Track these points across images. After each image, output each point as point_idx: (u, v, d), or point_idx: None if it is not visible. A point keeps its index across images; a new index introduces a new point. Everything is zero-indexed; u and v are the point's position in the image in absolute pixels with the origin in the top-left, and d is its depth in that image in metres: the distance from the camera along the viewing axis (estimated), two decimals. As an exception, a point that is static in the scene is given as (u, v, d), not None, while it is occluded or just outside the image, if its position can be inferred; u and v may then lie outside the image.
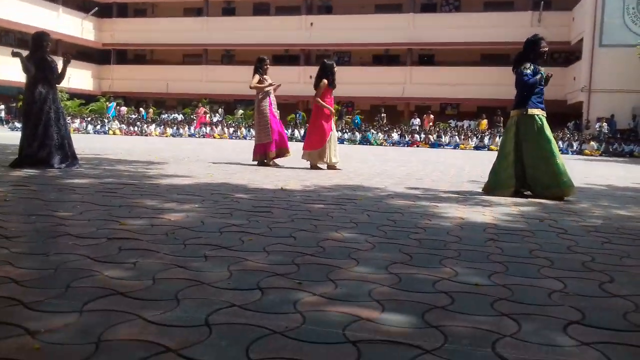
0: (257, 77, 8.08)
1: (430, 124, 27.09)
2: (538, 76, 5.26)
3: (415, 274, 2.29)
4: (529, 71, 5.26)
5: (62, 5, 33.43)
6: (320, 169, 7.82)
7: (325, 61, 7.96)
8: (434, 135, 24.87)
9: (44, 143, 6.16)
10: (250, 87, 8.09)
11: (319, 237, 2.95)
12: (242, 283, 2.06)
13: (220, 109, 32.06)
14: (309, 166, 7.95)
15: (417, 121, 27.66)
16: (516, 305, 1.92)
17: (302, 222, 3.39)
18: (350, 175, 7.18)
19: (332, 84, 7.81)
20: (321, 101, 7.83)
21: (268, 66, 8.22)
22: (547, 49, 5.32)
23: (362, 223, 3.45)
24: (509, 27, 29.01)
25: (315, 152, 7.84)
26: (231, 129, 27.36)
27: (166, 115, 31.54)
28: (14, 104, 30.03)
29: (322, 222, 3.42)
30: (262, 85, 8.07)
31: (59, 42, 30.57)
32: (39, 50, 6.29)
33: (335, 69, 7.89)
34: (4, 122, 29.39)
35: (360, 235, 3.04)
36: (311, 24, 33.47)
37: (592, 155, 20.94)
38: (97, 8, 35.30)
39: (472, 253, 2.71)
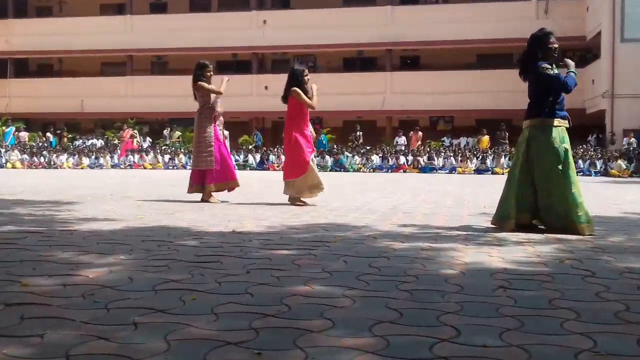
0: (204, 83, 8.16)
1: (419, 142, 27.48)
2: (572, 73, 5.33)
3: (407, 335, 2.29)
4: (552, 72, 5.33)
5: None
6: (305, 203, 7.78)
7: (295, 67, 8.11)
8: (424, 157, 25.21)
9: None
10: (200, 90, 8.16)
11: (282, 292, 2.93)
12: (183, 357, 2.02)
13: (145, 131, 32.06)
14: (287, 202, 7.89)
15: (402, 140, 28.02)
16: (536, 370, 1.93)
17: (260, 273, 3.37)
18: (320, 210, 7.19)
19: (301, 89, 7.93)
20: (306, 99, 7.87)
21: (211, 73, 8.28)
22: (556, 45, 5.43)
23: (337, 272, 3.44)
24: (510, 21, 29.85)
25: (301, 178, 7.82)
26: (166, 157, 27.21)
27: (81, 141, 31.18)
28: None
29: (286, 272, 3.41)
30: (210, 88, 8.16)
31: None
32: None
33: (307, 76, 8.00)
34: None
35: (335, 288, 3.02)
36: (264, 21, 33.87)
37: (620, 176, 21.50)
38: (-15, 7, 34.99)
39: (478, 305, 2.73)
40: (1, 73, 36.33)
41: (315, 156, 8.09)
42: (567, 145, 5.37)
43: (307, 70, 8.14)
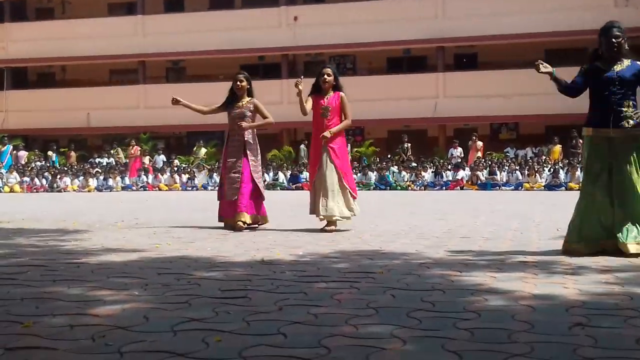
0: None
1: (479, 154, 27.25)
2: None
3: (468, 381, 2.28)
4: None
5: None
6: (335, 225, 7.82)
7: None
8: (485, 171, 25.00)
9: None
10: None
11: (321, 332, 2.93)
12: (209, 408, 2.04)
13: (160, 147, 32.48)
14: (309, 227, 7.94)
15: (458, 151, 27.83)
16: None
17: (295, 310, 3.38)
18: (363, 236, 7.19)
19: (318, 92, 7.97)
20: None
21: (240, 83, 8.38)
22: (618, 39, 5.52)
23: (384, 308, 3.44)
24: (584, 10, 29.52)
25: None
26: (185, 176, 27.46)
27: (97, 159, 31.50)
28: None
29: (324, 309, 3.41)
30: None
31: None
32: None
33: (326, 70, 8.02)
34: None
35: (382, 327, 3.02)
36: (295, 18, 34.12)
37: None
38: (-21, 10, 35.95)
39: (552, 347, 2.70)
40: (-2, 84, 37.28)
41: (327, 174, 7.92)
42: (598, 158, 5.51)
43: (325, 69, 8.07)
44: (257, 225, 8.25)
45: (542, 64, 5.81)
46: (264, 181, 8.61)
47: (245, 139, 8.29)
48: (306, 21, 33.67)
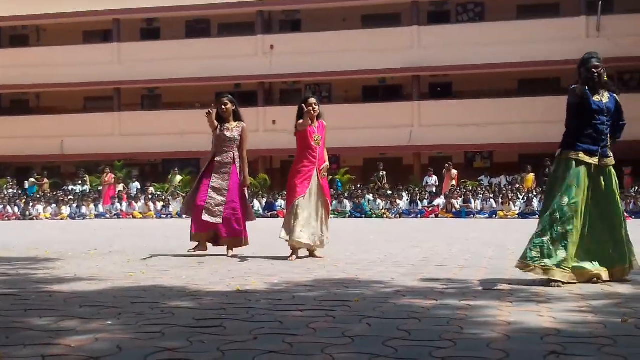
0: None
1: (453, 182, 27.39)
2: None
3: (444, 410, 2.27)
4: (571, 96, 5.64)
5: None
6: (297, 255, 7.83)
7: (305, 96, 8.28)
8: (459, 200, 25.13)
9: None
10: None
11: (296, 361, 2.92)
12: None
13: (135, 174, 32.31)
14: (284, 255, 7.95)
15: (433, 179, 27.97)
16: None
17: (270, 339, 3.36)
18: (339, 264, 7.18)
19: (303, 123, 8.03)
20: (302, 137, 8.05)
21: (225, 106, 8.45)
22: (598, 69, 5.61)
23: (360, 336, 3.43)
24: (556, 41, 29.97)
25: (286, 223, 7.96)
26: (159, 204, 27.31)
27: (70, 187, 31.23)
28: None
29: (300, 337, 3.40)
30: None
31: None
32: None
33: (312, 100, 8.11)
34: None
35: (358, 356, 3.01)
36: (271, 46, 34.33)
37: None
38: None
39: (527, 374, 2.71)
40: (-30, 112, 36.98)
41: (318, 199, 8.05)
42: (580, 184, 5.53)
43: (311, 99, 8.16)
44: (235, 253, 8.29)
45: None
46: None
47: (235, 161, 8.34)
48: (282, 49, 33.89)
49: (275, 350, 3.12)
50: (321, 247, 8.03)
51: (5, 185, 31.75)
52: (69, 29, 36.51)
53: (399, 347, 3.19)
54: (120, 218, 26.11)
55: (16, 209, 27.50)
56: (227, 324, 3.77)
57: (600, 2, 30.43)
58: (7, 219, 26.45)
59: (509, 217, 23.16)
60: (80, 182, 31.69)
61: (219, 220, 8.20)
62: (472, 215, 23.88)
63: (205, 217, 8.19)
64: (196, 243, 8.39)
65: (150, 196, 28.19)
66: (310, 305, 4.42)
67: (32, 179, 31.28)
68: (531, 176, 27.22)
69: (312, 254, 7.99)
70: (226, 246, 8.35)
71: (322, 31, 33.80)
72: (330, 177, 28.17)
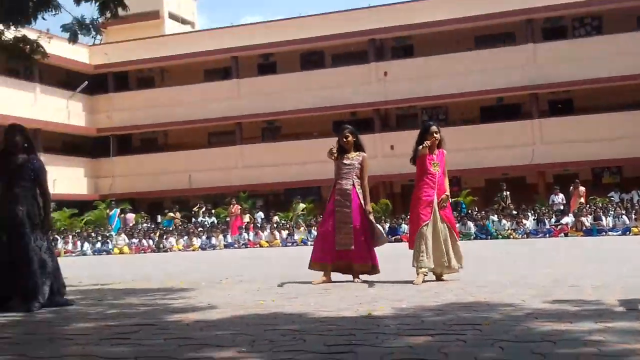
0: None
1: (581, 200, 26.48)
2: None
3: None
4: None
5: (39, 83, 36.03)
6: (424, 279, 7.79)
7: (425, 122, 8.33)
8: (589, 217, 24.25)
9: (14, 275, 6.52)
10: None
11: (430, 386, 2.90)
12: None
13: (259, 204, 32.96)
14: (409, 279, 7.92)
15: (559, 198, 27.12)
16: None
17: (402, 364, 3.34)
18: (467, 287, 7.08)
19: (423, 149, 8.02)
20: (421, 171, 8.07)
21: (346, 139, 8.54)
22: None
23: (494, 360, 3.36)
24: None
25: (415, 252, 7.91)
26: (284, 232, 27.74)
27: (194, 220, 32.19)
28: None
29: (432, 362, 3.36)
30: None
31: (37, 133, 32.74)
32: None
33: (434, 128, 8.12)
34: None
35: (493, 380, 2.96)
36: (385, 73, 34.50)
37: None
38: (86, 82, 37.58)
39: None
40: (104, 152, 38.83)
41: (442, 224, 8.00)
42: None
43: (433, 127, 8.17)
44: (367, 277, 8.33)
45: None
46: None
47: (355, 186, 8.40)
48: (396, 75, 34.03)
49: (409, 375, 3.11)
50: (450, 271, 7.94)
51: (139, 220, 33.15)
52: (191, 69, 37.99)
53: (535, 370, 3.11)
54: (247, 247, 26.66)
55: (150, 242, 28.62)
56: (358, 350, 3.77)
57: None
58: (142, 251, 27.55)
59: (643, 233, 22.17)
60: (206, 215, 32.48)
61: (349, 247, 8.25)
62: (603, 233, 23.00)
63: (338, 246, 8.28)
64: (319, 274, 8.43)
65: (275, 225, 28.71)
66: (439, 330, 4.36)
67: (171, 214, 32.33)
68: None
69: (439, 278, 7.93)
70: (352, 274, 8.39)
71: (435, 55, 33.67)
72: (454, 199, 27.87)
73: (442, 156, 8.15)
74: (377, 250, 8.59)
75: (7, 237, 6.56)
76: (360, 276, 8.35)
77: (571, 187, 27.25)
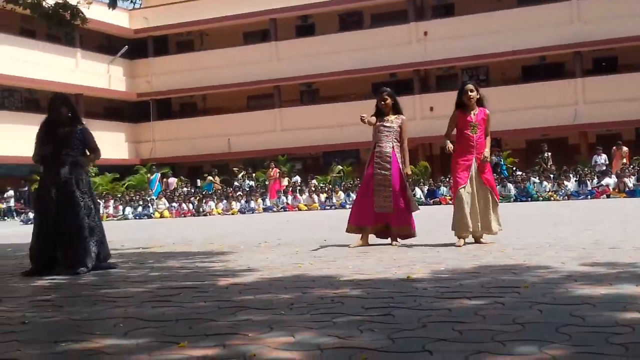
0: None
1: (624, 160, 26.08)
2: None
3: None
4: None
5: (80, 48, 36.42)
6: (464, 242, 7.77)
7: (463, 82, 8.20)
8: (632, 178, 23.87)
9: (62, 240, 6.66)
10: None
11: (467, 349, 2.90)
12: None
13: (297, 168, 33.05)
14: (448, 242, 7.92)
15: (602, 158, 26.74)
16: None
17: (439, 327, 3.35)
18: (505, 249, 7.04)
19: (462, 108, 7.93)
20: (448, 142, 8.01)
21: (384, 102, 8.47)
22: None
23: (531, 323, 3.35)
24: None
25: (454, 214, 7.91)
26: (323, 196, 27.81)
27: (234, 184, 32.35)
28: (26, 188, 32.59)
29: (469, 325, 3.37)
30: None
31: (79, 98, 33.14)
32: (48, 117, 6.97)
33: (469, 86, 8.01)
34: (15, 214, 31.85)
35: (531, 345, 2.95)
36: (425, 33, 34.10)
37: None
38: (127, 47, 37.88)
39: None
40: (144, 116, 39.15)
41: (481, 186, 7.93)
42: None
43: (468, 86, 8.05)
44: (405, 240, 8.34)
45: None
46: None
47: (395, 150, 8.36)
48: (436, 35, 33.64)
49: (445, 338, 3.11)
50: (489, 233, 7.90)
51: (179, 184, 33.45)
52: (230, 32, 37.91)
53: (573, 333, 3.10)
54: (286, 211, 26.82)
55: (190, 206, 28.91)
56: (396, 312, 3.79)
57: None
58: (183, 215, 27.89)
59: (688, 194, 21.79)
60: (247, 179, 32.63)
61: (389, 210, 8.24)
62: (646, 194, 22.66)
63: (377, 209, 8.28)
64: (357, 237, 8.42)
65: (313, 188, 28.78)
66: (477, 292, 4.36)
67: (210, 177, 32.60)
68: None
69: (478, 241, 7.90)
70: (390, 237, 8.40)
71: (474, 14, 33.15)
72: (495, 160, 27.56)
73: (483, 115, 8.00)
74: (416, 213, 8.57)
75: (56, 205, 6.70)
76: (398, 239, 8.35)
77: (614, 148, 26.88)
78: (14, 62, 32.49)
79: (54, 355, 3.15)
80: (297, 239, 10.39)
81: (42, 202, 6.90)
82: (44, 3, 10.06)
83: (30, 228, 7.31)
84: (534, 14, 32.17)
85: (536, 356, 2.75)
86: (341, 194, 27.29)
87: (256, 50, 37.24)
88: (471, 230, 7.78)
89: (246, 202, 28.42)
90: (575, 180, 24.86)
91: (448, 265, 5.95)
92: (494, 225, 7.89)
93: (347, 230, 8.58)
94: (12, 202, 32.83)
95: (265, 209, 27.69)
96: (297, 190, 28.59)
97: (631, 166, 25.57)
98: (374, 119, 8.38)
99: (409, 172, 8.62)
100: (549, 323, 3.34)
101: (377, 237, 8.52)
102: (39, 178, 7.13)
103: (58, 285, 5.88)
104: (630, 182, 23.67)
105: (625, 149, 26.76)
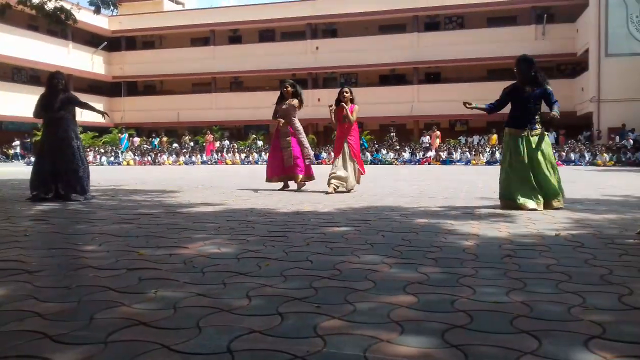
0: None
1: (437, 140, 27.00)
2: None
3: (434, 293, 2.29)
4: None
5: (72, 41, 34.20)
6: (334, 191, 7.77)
7: (342, 87, 8.06)
8: (445, 152, 24.81)
9: (55, 176, 6.44)
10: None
11: (335, 260, 2.95)
12: (261, 309, 2.07)
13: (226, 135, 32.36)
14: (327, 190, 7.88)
15: (427, 139, 27.63)
16: (536, 322, 1.92)
17: (317, 245, 3.39)
18: (363, 196, 7.17)
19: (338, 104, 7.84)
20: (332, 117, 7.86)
21: (286, 89, 8.26)
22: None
23: (377, 244, 3.44)
24: (514, 42, 29.06)
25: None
26: (242, 155, 27.52)
27: (179, 144, 31.67)
28: (28, 139, 30.81)
29: (337, 244, 3.43)
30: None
31: (70, 77, 31.13)
32: (47, 90, 6.67)
33: (346, 94, 7.77)
34: (20, 157, 30.01)
35: (376, 257, 3.03)
36: (317, 47, 33.85)
37: (604, 165, 20.75)
38: (106, 42, 36.13)
39: (489, 270, 2.71)
40: (117, 93, 37.42)
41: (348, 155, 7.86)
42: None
43: (346, 88, 7.85)
44: (303, 184, 8.20)
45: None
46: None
47: (292, 125, 8.20)
48: (324, 50, 33.58)
49: (321, 252, 3.16)
50: (346, 188, 7.78)
51: (142, 142, 32.35)
52: (181, 36, 36.38)
53: (403, 251, 3.21)
54: (217, 164, 26.39)
55: (149, 158, 27.95)
56: (289, 235, 3.81)
57: (545, 15, 29.29)
58: (144, 164, 26.95)
59: (479, 164, 22.87)
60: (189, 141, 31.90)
61: (292, 163, 8.08)
62: (453, 163, 23.63)
63: (286, 164, 8.09)
64: (265, 185, 8.32)
65: (236, 150, 28.41)
66: (344, 223, 4.43)
67: (158, 139, 31.90)
68: (495, 136, 26.73)
69: (347, 191, 7.76)
70: (297, 184, 8.20)
71: (352, 36, 32.92)
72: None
73: (351, 109, 7.76)
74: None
75: (56, 147, 6.46)
76: (303, 182, 8.17)
77: (429, 132, 27.73)
78: (22, 48, 30.46)
79: (47, 259, 3.01)
80: (224, 184, 10.25)
81: (42, 143, 6.64)
82: (46, 6, 9.44)
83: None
84: (389, 40, 32.49)
85: (378, 265, 2.84)
86: (255, 154, 27.11)
87: (200, 52, 35.96)
88: (341, 184, 7.67)
89: (189, 157, 27.75)
90: (409, 152, 25.60)
91: (325, 204, 6.00)
92: (351, 184, 7.81)
93: (267, 181, 8.32)
94: (18, 149, 30.90)
95: (203, 163, 27.15)
96: (225, 150, 28.18)
97: (444, 145, 26.53)
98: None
99: (302, 139, 8.37)
100: (388, 244, 3.44)
101: (286, 183, 8.27)
102: (39, 133, 6.84)
103: (53, 209, 5.58)
104: (443, 155, 24.61)
105: (437, 132, 27.41)
